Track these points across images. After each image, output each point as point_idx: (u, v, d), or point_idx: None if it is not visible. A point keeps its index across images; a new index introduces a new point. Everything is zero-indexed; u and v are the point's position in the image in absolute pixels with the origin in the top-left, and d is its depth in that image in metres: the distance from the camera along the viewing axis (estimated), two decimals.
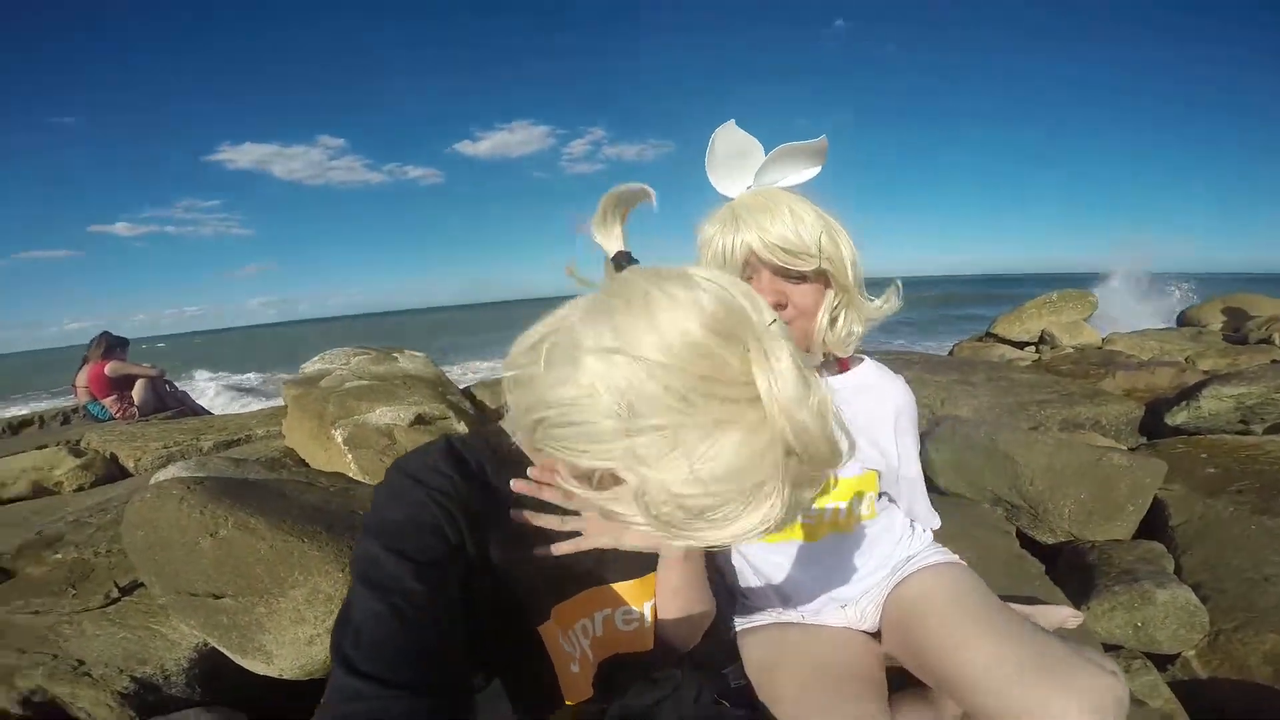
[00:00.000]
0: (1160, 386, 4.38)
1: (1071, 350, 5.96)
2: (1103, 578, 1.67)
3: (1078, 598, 1.64)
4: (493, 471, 0.75)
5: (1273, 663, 1.40)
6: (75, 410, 5.25)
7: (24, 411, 6.31)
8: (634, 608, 0.86)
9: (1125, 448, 2.79)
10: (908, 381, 1.10)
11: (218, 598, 1.40)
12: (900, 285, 1.02)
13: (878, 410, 1.07)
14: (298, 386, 3.49)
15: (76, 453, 3.15)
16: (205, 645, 1.51)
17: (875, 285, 1.00)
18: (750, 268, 0.91)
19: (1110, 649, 1.50)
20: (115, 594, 1.68)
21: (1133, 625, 1.54)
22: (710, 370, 0.46)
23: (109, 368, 5.04)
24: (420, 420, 2.85)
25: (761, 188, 0.93)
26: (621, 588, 0.85)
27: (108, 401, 5.03)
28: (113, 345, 5.17)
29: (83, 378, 5.07)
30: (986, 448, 2.25)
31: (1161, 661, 1.54)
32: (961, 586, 1.04)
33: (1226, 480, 2.27)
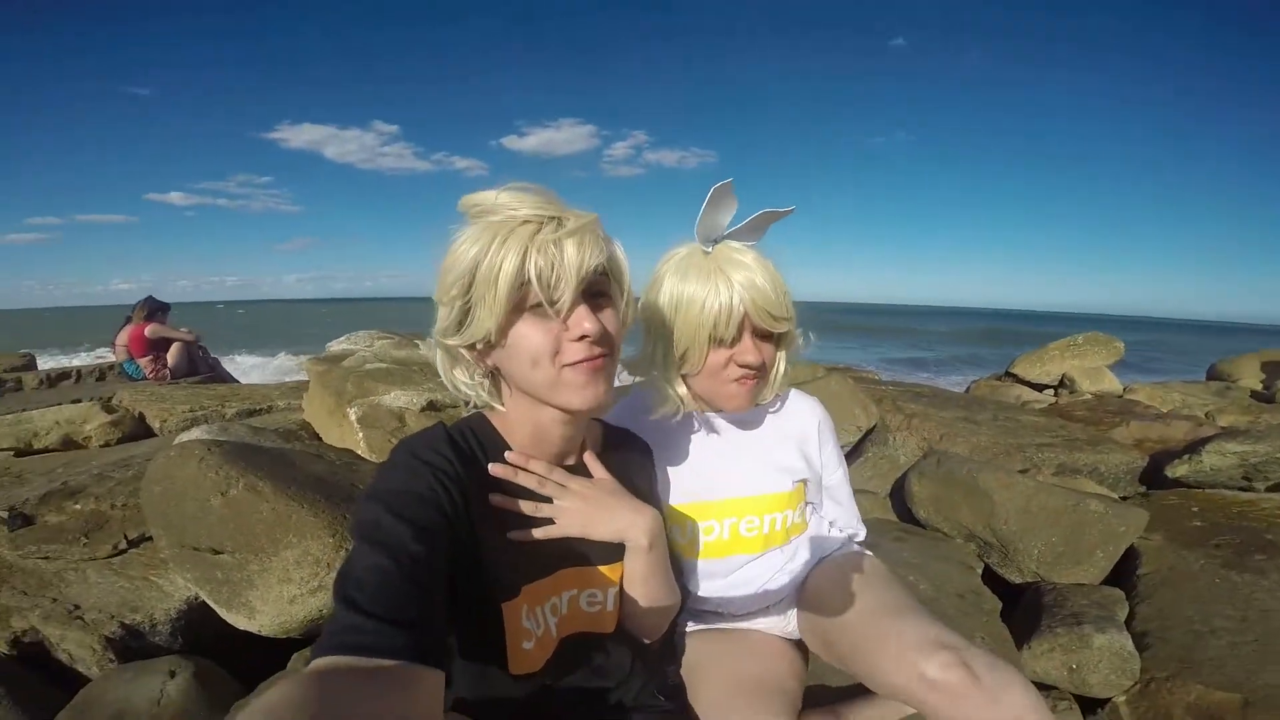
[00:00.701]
0: (1173, 439, 4.33)
1: (1090, 396, 5.89)
2: (1050, 618, 1.72)
3: (1023, 636, 1.68)
4: (482, 454, 0.85)
5: (1193, 713, 1.43)
6: (111, 367, 5.51)
7: (64, 363, 6.56)
8: (599, 591, 0.91)
9: (1117, 496, 2.80)
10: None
11: (217, 553, 1.52)
12: (810, 335, 1.12)
13: (804, 427, 1.18)
14: (321, 363, 3.66)
15: (108, 409, 3.32)
16: (195, 599, 1.62)
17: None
18: (741, 326, 1.00)
19: (1043, 689, 1.54)
20: (123, 545, 1.80)
21: (1068, 667, 1.58)
22: None
23: (149, 329, 5.31)
24: (431, 406, 2.99)
25: (734, 246, 1.02)
26: (591, 571, 0.91)
27: (143, 362, 5.29)
28: (155, 309, 5.45)
29: (123, 337, 5.35)
30: (967, 484, 2.29)
31: (1092, 705, 1.58)
32: (863, 569, 1.13)
33: (1209, 534, 2.28)
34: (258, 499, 1.55)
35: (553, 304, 0.75)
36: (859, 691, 1.19)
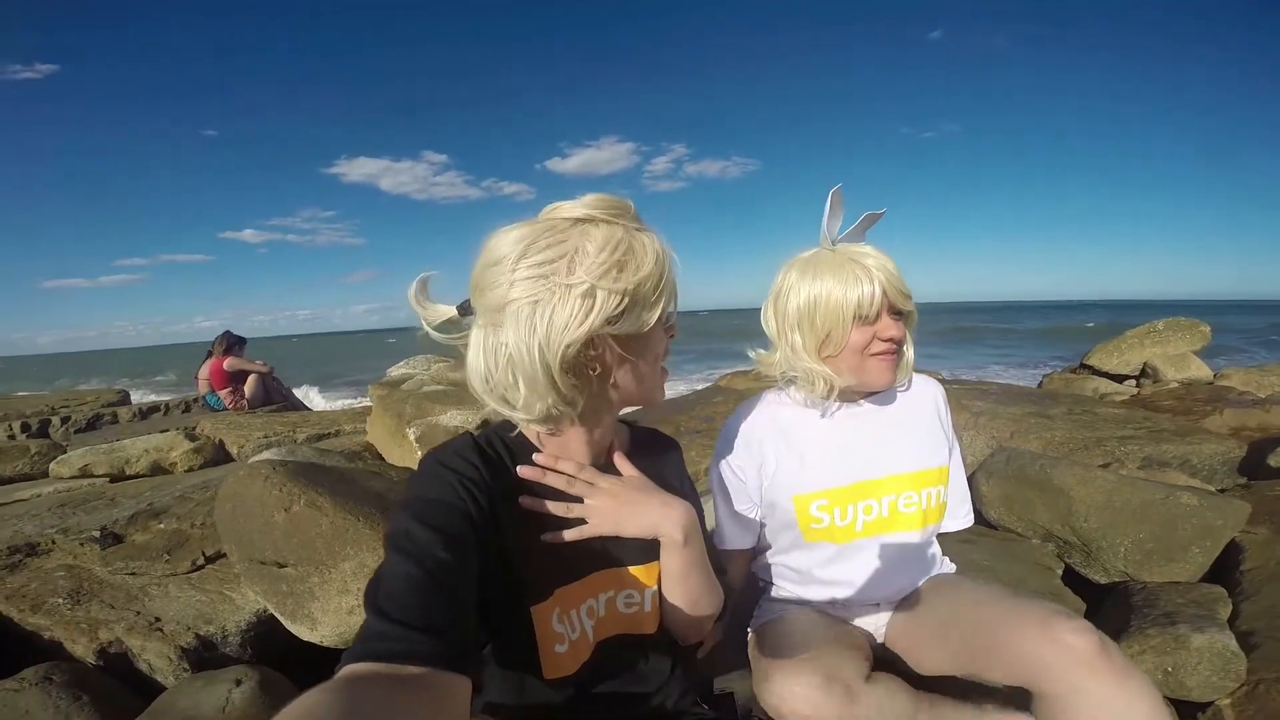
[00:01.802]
0: (1274, 426, 4.01)
1: (1176, 385, 5.50)
2: (1140, 619, 1.58)
3: (1111, 638, 1.56)
4: (510, 460, 0.85)
5: None
6: (196, 400, 5.91)
7: (154, 398, 7.09)
8: (635, 592, 0.90)
9: (1213, 489, 2.59)
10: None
11: (281, 566, 1.58)
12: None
13: (936, 403, 1.25)
14: (383, 388, 3.82)
15: (191, 437, 3.55)
16: (264, 611, 1.69)
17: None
18: (877, 308, 1.10)
19: None
20: (201, 561, 1.90)
21: (1162, 670, 1.44)
22: None
23: (227, 363, 5.65)
24: (486, 423, 3.06)
25: (850, 243, 1.14)
26: (626, 572, 0.89)
27: (223, 394, 5.63)
28: (233, 343, 5.79)
29: (204, 371, 5.71)
30: (1040, 481, 2.16)
31: (1192, 709, 1.44)
32: (958, 584, 1.19)
33: None
34: (318, 514, 1.61)
35: (673, 309, 0.86)
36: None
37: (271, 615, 1.65)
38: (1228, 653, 1.42)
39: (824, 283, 1.10)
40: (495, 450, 0.85)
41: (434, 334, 0.86)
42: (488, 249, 0.78)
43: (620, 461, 0.93)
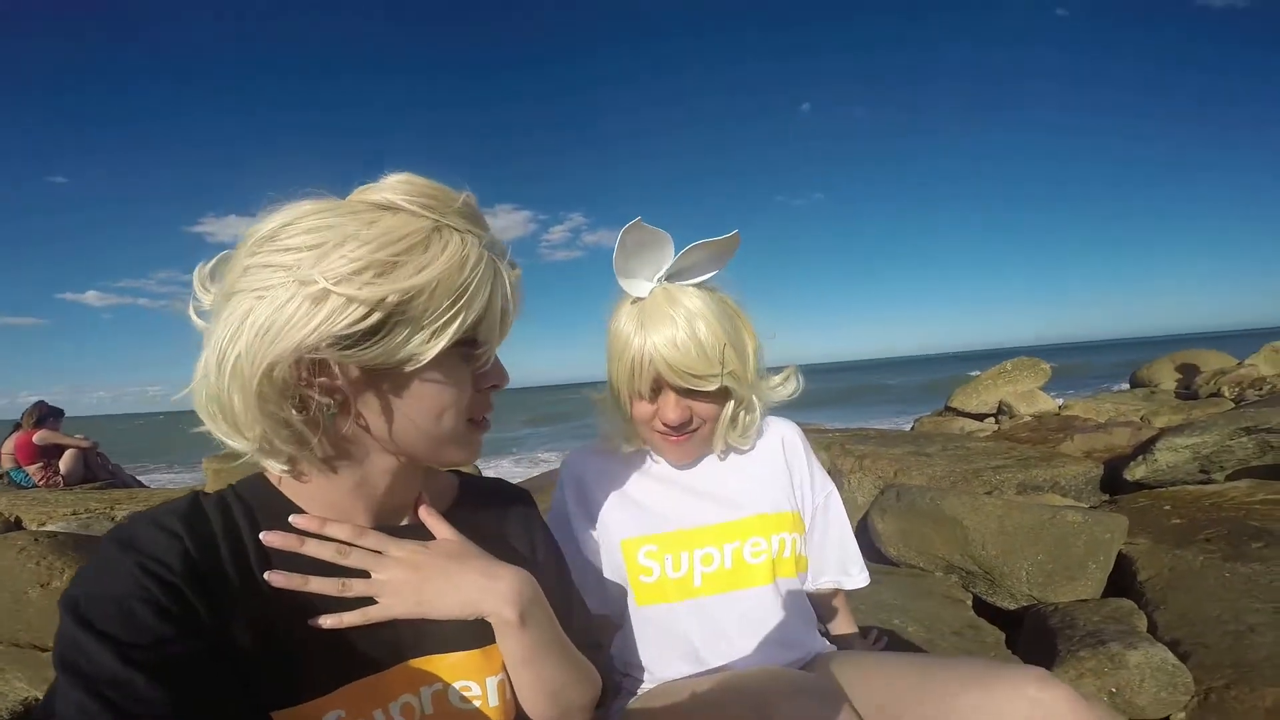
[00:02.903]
0: (1119, 446, 4.31)
1: (1030, 418, 5.91)
2: (1066, 641, 1.48)
3: (1040, 665, 1.43)
4: (247, 527, 0.60)
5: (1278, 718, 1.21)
6: (0, 476, 5.18)
7: None
8: (473, 683, 0.68)
9: (1085, 506, 2.66)
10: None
11: (43, 650, 1.41)
12: (798, 371, 1.05)
13: (772, 445, 1.07)
14: (218, 460, 3.47)
15: None
16: (34, 700, 1.43)
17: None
18: (659, 382, 0.92)
19: None
20: None
21: (1106, 692, 1.34)
22: None
23: (38, 436, 5.09)
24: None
25: (678, 289, 0.92)
26: (454, 660, 0.67)
27: (32, 469, 5.04)
28: (45, 415, 5.20)
29: (9, 445, 5.12)
30: (933, 513, 2.09)
31: None
32: (860, 657, 0.97)
33: (1193, 530, 2.13)
34: None
35: (483, 346, 0.63)
36: None
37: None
38: (1168, 666, 1.34)
39: (620, 328, 0.93)
40: (229, 514, 0.60)
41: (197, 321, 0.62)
42: (256, 222, 0.59)
43: (430, 519, 0.70)
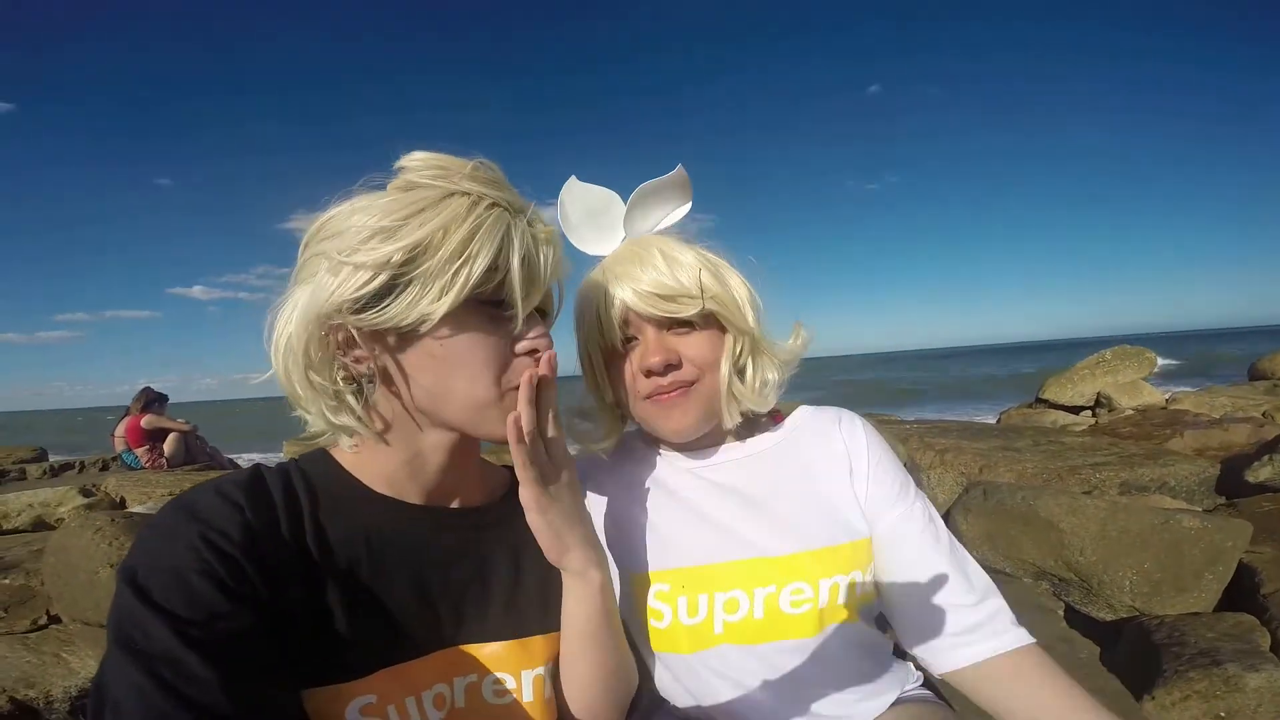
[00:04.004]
0: (1236, 444, 3.95)
1: (1132, 412, 5.49)
2: (1173, 660, 1.34)
3: (1140, 685, 1.31)
4: (324, 505, 0.63)
5: None
6: (114, 458, 5.62)
7: (69, 457, 6.74)
8: (508, 676, 0.68)
9: (1199, 509, 2.43)
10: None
11: None
12: (801, 323, 0.87)
13: (827, 452, 0.83)
14: (298, 443, 3.66)
15: (86, 493, 3.28)
16: None
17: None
18: (633, 327, 0.78)
19: None
20: (43, 621, 1.73)
21: (1214, 716, 1.20)
22: None
23: (145, 420, 5.39)
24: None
25: (634, 238, 0.82)
26: (491, 650, 0.67)
27: (140, 452, 5.35)
28: (151, 400, 5.54)
29: (121, 429, 5.45)
30: (1025, 514, 1.95)
31: None
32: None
33: None
34: None
35: (511, 307, 0.61)
36: None
37: None
38: None
39: (577, 302, 0.82)
40: (293, 490, 0.62)
41: None
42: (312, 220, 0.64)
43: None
